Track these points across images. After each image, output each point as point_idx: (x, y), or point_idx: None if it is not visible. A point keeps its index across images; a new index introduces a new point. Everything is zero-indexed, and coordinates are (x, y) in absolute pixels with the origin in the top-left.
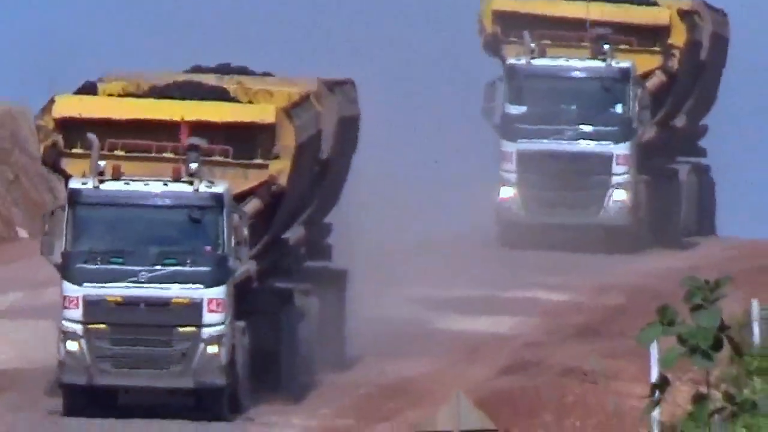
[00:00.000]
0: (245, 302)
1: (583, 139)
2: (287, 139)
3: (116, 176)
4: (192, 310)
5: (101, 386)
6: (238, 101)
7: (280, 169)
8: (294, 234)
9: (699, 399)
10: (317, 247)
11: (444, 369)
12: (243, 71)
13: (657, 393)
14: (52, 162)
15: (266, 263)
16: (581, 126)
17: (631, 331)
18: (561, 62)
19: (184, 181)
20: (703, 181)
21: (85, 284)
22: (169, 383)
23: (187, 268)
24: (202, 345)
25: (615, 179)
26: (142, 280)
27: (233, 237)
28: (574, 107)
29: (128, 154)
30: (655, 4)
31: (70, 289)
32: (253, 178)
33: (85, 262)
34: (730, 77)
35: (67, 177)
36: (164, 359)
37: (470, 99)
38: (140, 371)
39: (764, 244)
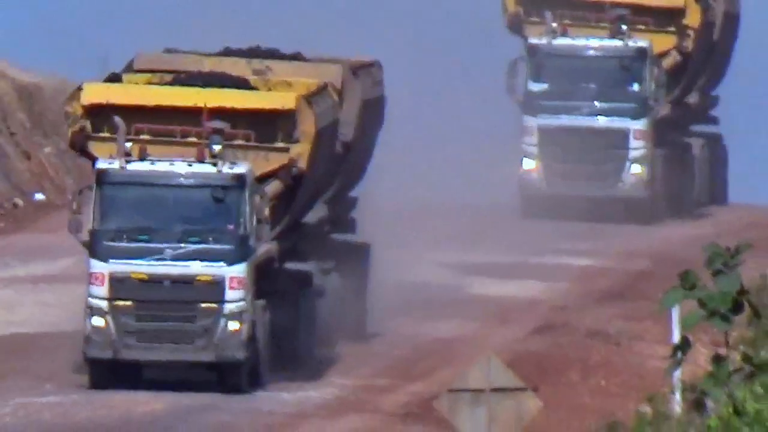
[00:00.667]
0: (266, 282)
1: (602, 114)
2: (307, 125)
3: (142, 157)
4: (214, 287)
5: (126, 360)
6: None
7: (300, 152)
8: (316, 212)
9: (718, 360)
10: (341, 220)
11: (476, 331)
12: (273, 53)
13: (679, 354)
14: (80, 146)
15: (287, 244)
16: (600, 102)
17: (654, 295)
18: (581, 41)
19: (207, 162)
20: (716, 151)
21: (111, 261)
22: (191, 357)
23: (210, 246)
24: (223, 320)
25: (632, 153)
26: (167, 257)
27: (254, 216)
28: (593, 85)
29: (153, 138)
30: None
31: (97, 266)
32: (274, 161)
33: (112, 240)
34: (740, 45)
35: (94, 160)
36: (187, 334)
37: (492, 76)
38: (164, 346)
39: None
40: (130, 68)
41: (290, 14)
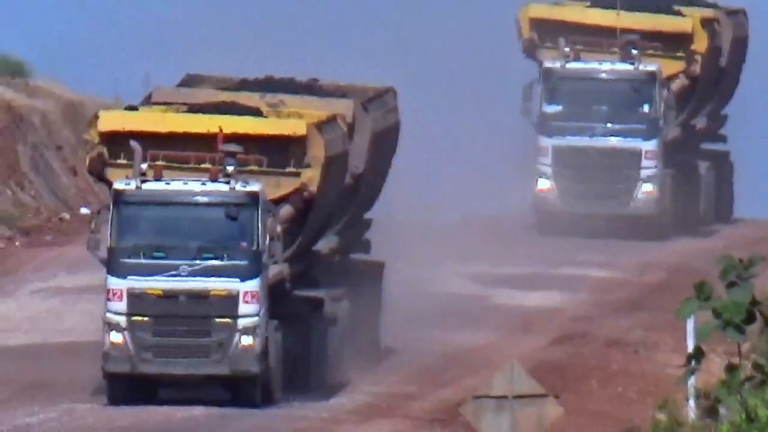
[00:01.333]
0: (279, 306)
1: (614, 135)
2: (317, 151)
3: (157, 177)
4: (228, 302)
5: (143, 374)
6: None
7: (311, 177)
8: (328, 243)
9: (731, 369)
10: (356, 241)
11: (499, 340)
12: (288, 83)
13: (693, 362)
14: (98, 172)
15: (298, 268)
16: (612, 124)
17: (670, 306)
18: (593, 65)
19: (221, 181)
20: (722, 170)
21: (129, 278)
22: (207, 371)
23: (224, 262)
24: (237, 335)
25: (643, 173)
26: (182, 273)
27: (267, 233)
28: (605, 107)
29: (169, 164)
30: (679, 13)
31: (114, 283)
32: (285, 186)
33: (129, 257)
34: (749, 65)
35: (110, 185)
36: (203, 348)
37: (509, 99)
38: (180, 360)
39: None
40: (147, 101)
41: (308, 40)
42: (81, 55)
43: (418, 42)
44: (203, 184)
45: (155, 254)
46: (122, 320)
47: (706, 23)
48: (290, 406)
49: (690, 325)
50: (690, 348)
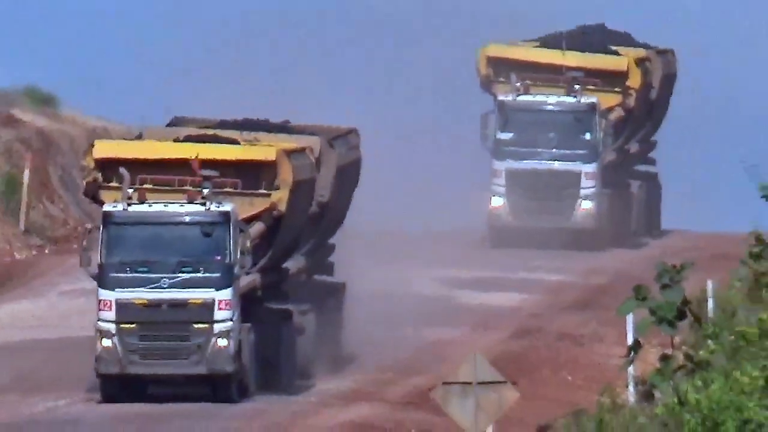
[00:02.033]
0: (251, 312)
1: (559, 160)
2: (286, 175)
3: (141, 200)
4: (205, 309)
5: (132, 375)
6: None
7: (280, 197)
8: (296, 263)
9: (665, 358)
10: (321, 264)
11: (464, 334)
12: (263, 124)
13: (632, 353)
14: (93, 194)
15: (269, 279)
16: (557, 149)
17: (612, 305)
18: (541, 98)
19: (197, 203)
20: (652, 189)
21: (117, 290)
22: (187, 371)
23: (200, 275)
24: (213, 338)
25: (583, 192)
26: (164, 285)
27: (238, 248)
28: (551, 134)
29: (155, 187)
30: (616, 53)
31: (105, 294)
32: (257, 205)
33: (117, 272)
34: (676, 98)
35: (103, 205)
36: (183, 351)
37: (467, 127)
38: (164, 361)
39: (713, 237)
40: (139, 138)
41: (284, 86)
42: (104, 87)
43: (387, 79)
44: (182, 205)
45: (140, 269)
46: (112, 327)
47: (640, 62)
48: (286, 391)
49: (630, 321)
50: (629, 341)
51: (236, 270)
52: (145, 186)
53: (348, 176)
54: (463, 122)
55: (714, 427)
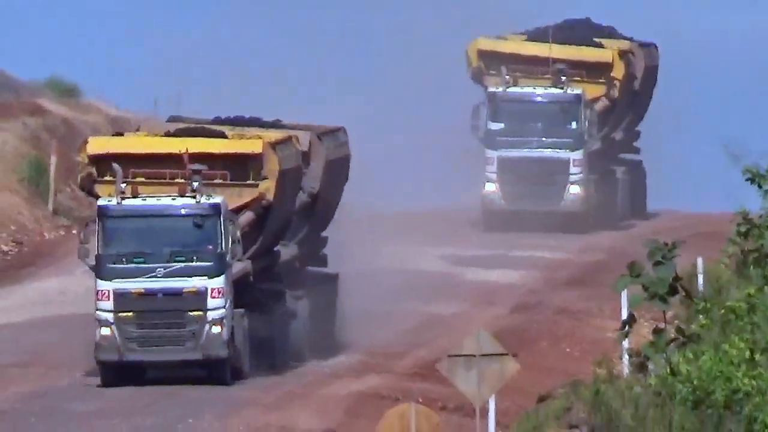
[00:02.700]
0: (244, 296)
1: (547, 147)
2: (273, 165)
3: (135, 195)
4: (199, 298)
5: (130, 361)
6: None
7: (267, 187)
8: (289, 250)
9: (658, 332)
10: (315, 256)
11: (468, 309)
12: (255, 121)
13: (626, 327)
14: (88, 189)
15: (260, 264)
16: (545, 138)
17: (607, 281)
18: (529, 90)
19: (188, 196)
20: (636, 175)
21: (114, 280)
22: (182, 356)
23: (193, 264)
24: (207, 325)
25: (571, 177)
26: (159, 275)
27: (229, 238)
28: (539, 124)
29: (147, 180)
30: (601, 45)
31: (102, 285)
32: (246, 196)
33: (114, 263)
34: (659, 89)
35: (98, 199)
36: (178, 338)
37: (460, 118)
38: (160, 348)
39: (698, 217)
40: (137, 131)
41: (290, 84)
42: (124, 77)
43: (378, 71)
44: (174, 199)
45: (135, 260)
46: (110, 316)
47: (623, 54)
48: (301, 365)
49: (624, 296)
50: (624, 315)
51: (228, 259)
52: (137, 180)
53: (337, 171)
54: (453, 113)
55: (704, 396)
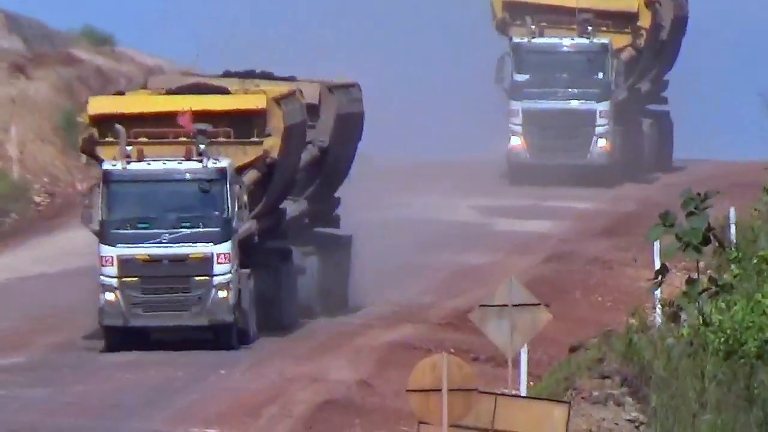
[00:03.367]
0: (250, 256)
1: (573, 99)
2: (277, 122)
3: (140, 158)
4: (205, 263)
5: (134, 327)
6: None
7: (272, 145)
8: (298, 206)
9: (691, 282)
10: (326, 217)
11: (500, 259)
12: (267, 75)
13: (659, 277)
14: (89, 151)
15: (265, 223)
16: (571, 89)
17: (640, 231)
18: (555, 40)
19: (194, 160)
20: (663, 127)
21: (119, 246)
22: (188, 322)
23: (199, 230)
24: (213, 290)
25: (598, 130)
26: (164, 240)
27: (235, 203)
28: (565, 75)
29: (150, 140)
30: None
31: (107, 250)
32: (250, 153)
33: (118, 228)
34: (689, 39)
35: (101, 162)
36: (184, 303)
37: (483, 70)
38: (165, 313)
39: (734, 165)
40: (144, 87)
41: (318, 39)
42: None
43: (407, 25)
44: (179, 163)
45: (140, 225)
46: (114, 282)
47: (650, 3)
48: (333, 315)
49: (656, 246)
50: (656, 265)
51: (234, 224)
52: (140, 140)
53: (349, 126)
54: (478, 63)
55: (737, 346)
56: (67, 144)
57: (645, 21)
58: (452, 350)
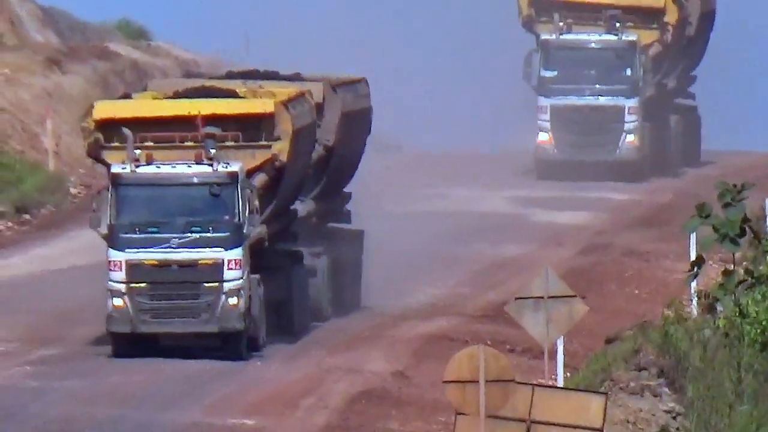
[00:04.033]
0: (260, 260)
1: (602, 95)
2: (285, 125)
3: (149, 162)
4: (215, 269)
5: (142, 334)
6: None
7: (280, 148)
8: (306, 206)
9: (727, 273)
10: (337, 212)
11: (535, 251)
12: (271, 75)
13: (696, 269)
14: (95, 155)
15: (275, 227)
16: (599, 85)
17: (676, 223)
18: (583, 37)
19: (204, 163)
20: (690, 122)
21: (127, 250)
22: (197, 329)
23: (209, 235)
24: (223, 297)
25: (627, 126)
26: (174, 245)
27: (246, 207)
28: (593, 71)
29: (157, 144)
30: None
31: (115, 255)
32: (259, 157)
33: (126, 233)
34: (717, 34)
35: (108, 166)
36: (193, 309)
37: (510, 66)
38: (174, 320)
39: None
40: (144, 90)
41: (344, 33)
42: (193, 20)
43: (436, 20)
44: (189, 166)
45: (149, 229)
46: (122, 287)
47: None
48: (369, 306)
49: (693, 238)
50: (692, 257)
51: (245, 229)
52: (147, 144)
53: (356, 123)
54: (505, 60)
55: None
56: None
57: (672, 17)
58: (489, 342)
